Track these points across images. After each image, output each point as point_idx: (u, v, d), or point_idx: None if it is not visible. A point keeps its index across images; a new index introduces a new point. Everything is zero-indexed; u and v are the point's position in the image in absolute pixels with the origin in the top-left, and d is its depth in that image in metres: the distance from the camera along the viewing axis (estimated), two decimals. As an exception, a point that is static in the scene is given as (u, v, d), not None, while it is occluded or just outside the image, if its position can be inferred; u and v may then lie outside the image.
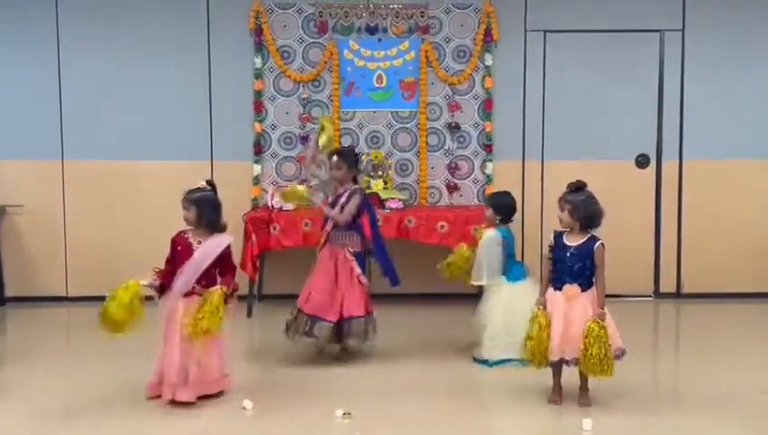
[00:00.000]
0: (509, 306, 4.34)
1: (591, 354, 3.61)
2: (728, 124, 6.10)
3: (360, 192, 4.52)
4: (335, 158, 4.49)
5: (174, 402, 3.75)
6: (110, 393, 3.99)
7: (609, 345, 3.64)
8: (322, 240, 4.51)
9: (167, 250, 3.87)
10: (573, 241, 3.78)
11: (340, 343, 4.45)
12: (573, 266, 3.74)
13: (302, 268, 4.58)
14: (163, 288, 3.80)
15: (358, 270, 4.42)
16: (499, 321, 4.36)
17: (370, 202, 4.75)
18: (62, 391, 4.05)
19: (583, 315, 3.69)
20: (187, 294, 3.77)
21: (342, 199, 4.45)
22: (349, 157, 4.53)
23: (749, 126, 6.12)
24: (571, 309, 3.71)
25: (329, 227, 4.46)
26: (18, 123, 6.01)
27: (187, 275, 3.75)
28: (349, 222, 4.43)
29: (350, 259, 4.42)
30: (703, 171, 6.14)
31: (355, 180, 4.57)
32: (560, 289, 3.76)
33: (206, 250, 3.79)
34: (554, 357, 3.72)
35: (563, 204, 3.80)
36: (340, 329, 4.39)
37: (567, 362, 3.74)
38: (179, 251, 3.80)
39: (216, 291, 3.75)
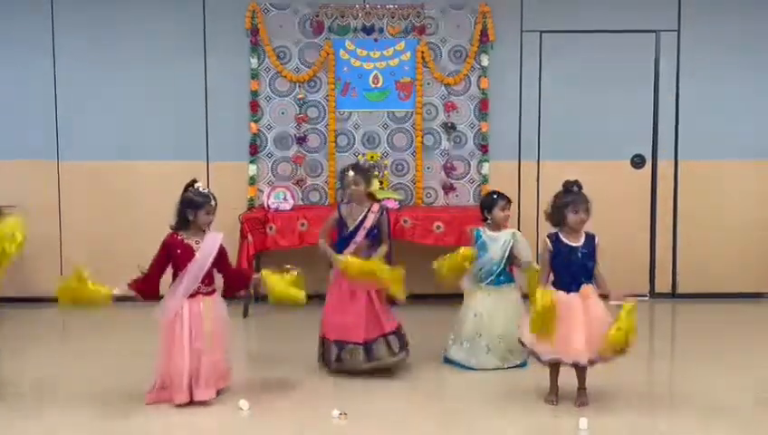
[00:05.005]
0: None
1: (620, 328, 3.57)
2: (723, 125, 6.12)
3: (386, 212, 4.36)
4: (351, 173, 4.25)
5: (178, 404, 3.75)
6: (105, 393, 3.98)
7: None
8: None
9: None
10: (577, 241, 3.77)
11: (371, 364, 4.18)
12: (587, 265, 3.74)
13: (298, 269, 4.55)
14: (144, 293, 3.79)
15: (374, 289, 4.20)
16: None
17: (389, 217, 4.50)
18: (57, 392, 4.04)
19: (598, 310, 3.70)
20: (192, 295, 3.77)
21: (368, 224, 4.22)
22: (364, 170, 4.40)
23: (744, 126, 6.13)
24: (589, 308, 3.70)
25: (350, 249, 4.20)
26: (13, 124, 6.00)
27: (193, 275, 3.76)
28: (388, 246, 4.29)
29: None
30: (698, 172, 6.16)
31: (370, 196, 4.39)
32: (575, 291, 3.72)
33: (207, 248, 3.80)
34: (584, 360, 3.68)
35: (587, 205, 3.74)
36: (368, 350, 4.18)
37: (592, 363, 3.72)
38: (179, 254, 3.79)
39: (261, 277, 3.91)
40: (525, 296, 4.33)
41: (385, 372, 4.25)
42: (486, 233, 4.46)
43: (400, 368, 4.31)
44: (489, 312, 4.37)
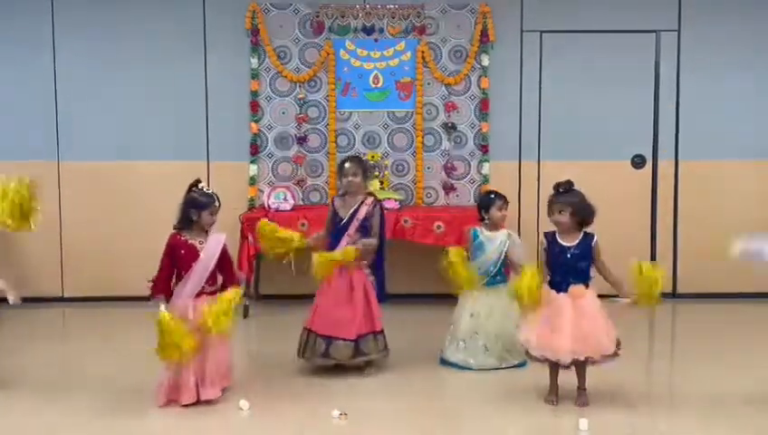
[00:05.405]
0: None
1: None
2: (724, 125, 6.12)
3: (380, 206, 4.33)
4: (349, 164, 4.24)
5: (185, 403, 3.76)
6: (106, 393, 3.98)
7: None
8: None
9: (162, 251, 3.85)
10: (570, 241, 3.78)
11: (358, 359, 4.20)
12: (577, 266, 3.75)
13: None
14: (164, 295, 3.79)
15: (371, 286, 4.24)
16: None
17: (383, 212, 4.44)
18: (57, 392, 4.04)
19: (591, 312, 3.71)
20: (197, 295, 3.78)
21: (360, 215, 4.20)
22: (363, 163, 4.38)
23: (745, 126, 6.13)
24: (579, 309, 3.71)
25: (342, 244, 4.18)
26: (14, 124, 6.00)
27: (198, 275, 3.77)
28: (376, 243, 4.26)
29: (367, 273, 4.24)
30: (699, 172, 6.15)
31: (370, 195, 4.36)
32: (565, 291, 3.74)
33: (211, 249, 3.81)
34: (566, 360, 3.71)
35: (563, 206, 3.78)
36: (357, 346, 4.18)
37: (583, 362, 3.74)
38: (183, 254, 3.80)
39: (231, 294, 3.75)
40: None
41: (388, 368, 4.28)
42: (484, 233, 4.45)
43: (388, 367, 4.32)
44: (486, 311, 4.38)
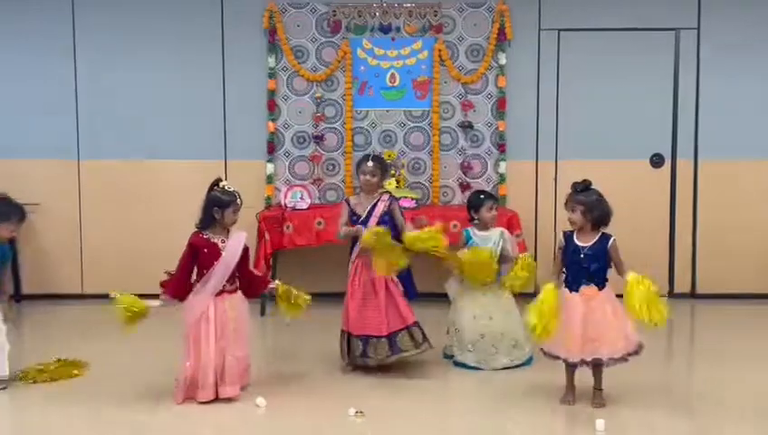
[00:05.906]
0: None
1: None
2: (744, 124, 6.05)
3: (396, 201, 4.37)
4: (370, 163, 4.27)
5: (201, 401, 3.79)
6: (123, 389, 4.02)
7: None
8: (353, 256, 4.28)
9: (181, 249, 3.87)
10: (586, 241, 3.76)
11: (395, 356, 4.19)
12: (589, 267, 3.72)
13: (315, 267, 4.56)
14: (178, 296, 3.82)
15: (396, 279, 4.25)
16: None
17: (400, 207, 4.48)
18: (75, 387, 4.09)
19: (602, 314, 3.68)
20: (218, 293, 3.81)
21: (378, 212, 4.24)
22: (384, 163, 4.40)
23: (765, 125, 6.06)
24: (590, 310, 3.69)
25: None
26: (35, 123, 6.07)
27: (220, 274, 3.79)
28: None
29: None
30: (718, 171, 6.10)
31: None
32: (576, 291, 3.73)
33: (233, 247, 3.84)
34: (574, 359, 3.70)
35: (575, 205, 3.77)
36: (392, 343, 4.19)
37: (587, 364, 3.73)
38: (206, 253, 3.82)
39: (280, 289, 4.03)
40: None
41: (402, 367, 4.26)
42: (477, 234, 4.44)
43: (403, 365, 4.29)
44: (488, 311, 4.36)
